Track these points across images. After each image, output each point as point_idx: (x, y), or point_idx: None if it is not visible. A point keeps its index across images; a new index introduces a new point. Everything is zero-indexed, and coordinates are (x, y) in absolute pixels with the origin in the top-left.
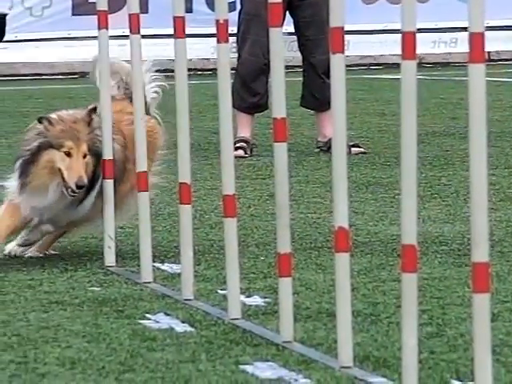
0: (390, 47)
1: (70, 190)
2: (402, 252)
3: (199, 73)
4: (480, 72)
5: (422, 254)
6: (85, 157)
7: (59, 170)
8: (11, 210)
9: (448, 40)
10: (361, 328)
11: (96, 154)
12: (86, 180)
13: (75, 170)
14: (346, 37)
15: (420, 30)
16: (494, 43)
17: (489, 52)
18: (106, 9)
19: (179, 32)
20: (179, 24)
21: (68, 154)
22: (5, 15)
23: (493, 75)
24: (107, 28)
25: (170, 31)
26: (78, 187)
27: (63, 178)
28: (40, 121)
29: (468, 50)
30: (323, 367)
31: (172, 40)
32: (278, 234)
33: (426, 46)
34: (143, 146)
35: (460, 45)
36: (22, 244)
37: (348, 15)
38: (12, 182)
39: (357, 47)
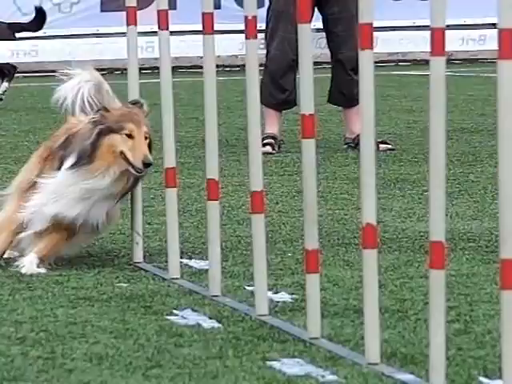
0: (418, 44)
1: (136, 169)
2: (430, 249)
3: (227, 69)
4: (509, 68)
5: (450, 250)
6: (146, 138)
7: (121, 152)
8: (11, 220)
9: (476, 37)
10: (388, 324)
11: (149, 140)
12: (151, 158)
13: (139, 149)
14: (375, 33)
15: (448, 27)
16: None
17: None
18: (135, 5)
19: (208, 28)
20: (208, 20)
21: (130, 136)
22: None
23: None
24: (136, 24)
25: (199, 27)
26: (145, 165)
27: (127, 160)
28: (96, 113)
29: (496, 48)
30: (350, 364)
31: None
32: (306, 230)
33: (454, 43)
34: (171, 141)
35: (488, 42)
36: None
37: (376, 11)
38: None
39: (385, 44)
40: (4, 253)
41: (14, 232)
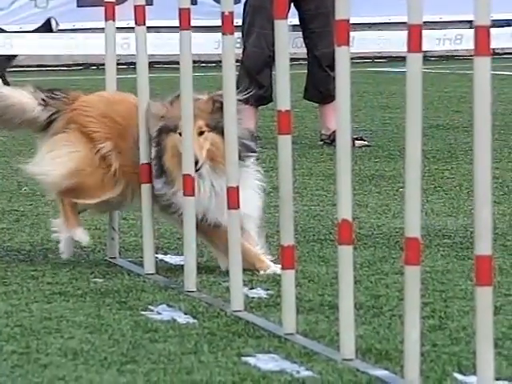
0: (394, 43)
1: None
2: (406, 245)
3: (203, 65)
4: (485, 65)
5: (425, 247)
6: (201, 134)
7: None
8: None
9: (453, 37)
10: (363, 320)
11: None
12: (198, 156)
13: None
14: (351, 34)
15: (425, 23)
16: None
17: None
18: (114, 0)
19: (184, 24)
20: (184, 16)
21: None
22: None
23: (497, 69)
24: (114, 20)
25: (175, 23)
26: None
27: None
28: (164, 105)
29: (473, 47)
30: (325, 359)
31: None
32: (282, 226)
33: (430, 42)
34: (146, 139)
35: (465, 42)
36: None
37: (352, 8)
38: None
39: (361, 42)
40: None
41: None
